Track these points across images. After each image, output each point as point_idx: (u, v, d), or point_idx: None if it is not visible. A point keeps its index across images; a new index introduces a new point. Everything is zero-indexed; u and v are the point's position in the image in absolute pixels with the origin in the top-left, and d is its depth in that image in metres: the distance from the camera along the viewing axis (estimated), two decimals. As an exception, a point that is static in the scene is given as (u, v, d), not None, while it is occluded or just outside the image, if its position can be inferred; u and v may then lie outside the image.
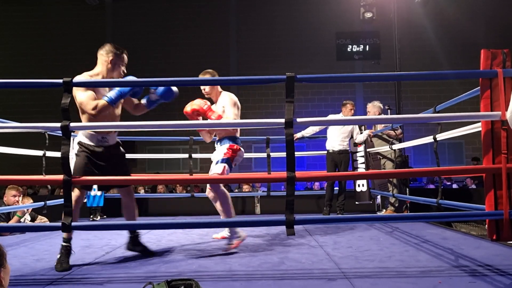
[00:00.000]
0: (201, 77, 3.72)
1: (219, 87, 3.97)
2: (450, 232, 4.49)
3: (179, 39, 13.00)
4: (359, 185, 6.16)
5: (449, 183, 9.94)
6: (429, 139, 4.09)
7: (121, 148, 3.42)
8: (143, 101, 3.43)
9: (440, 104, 3.97)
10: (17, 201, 4.87)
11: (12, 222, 4.75)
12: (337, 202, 5.94)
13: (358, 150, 6.19)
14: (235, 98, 3.94)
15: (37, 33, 13.10)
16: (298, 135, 5.96)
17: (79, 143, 3.25)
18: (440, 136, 3.88)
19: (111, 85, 3.19)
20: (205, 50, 12.87)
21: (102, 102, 3.09)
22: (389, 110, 7.04)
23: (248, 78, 3.04)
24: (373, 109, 6.07)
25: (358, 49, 11.49)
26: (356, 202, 6.19)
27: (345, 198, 5.94)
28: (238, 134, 3.93)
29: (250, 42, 13.00)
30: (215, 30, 13.09)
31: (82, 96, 3.10)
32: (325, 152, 6.10)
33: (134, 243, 3.46)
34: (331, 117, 5.80)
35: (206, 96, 3.95)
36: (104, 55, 3.26)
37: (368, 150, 6.18)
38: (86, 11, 13.11)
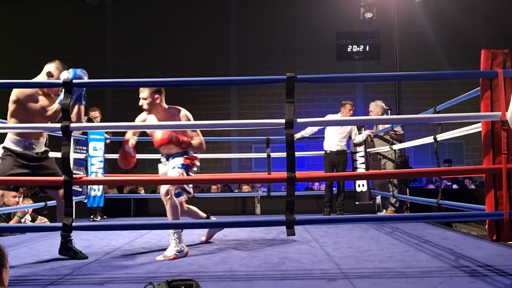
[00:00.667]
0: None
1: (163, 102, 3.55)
2: (450, 232, 4.50)
3: (179, 39, 13.00)
4: (359, 185, 6.16)
5: (449, 184, 9.95)
6: (429, 139, 4.10)
7: (49, 155, 3.42)
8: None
9: (441, 104, 3.97)
10: (17, 202, 4.87)
11: (13, 223, 4.75)
12: (337, 202, 5.94)
13: (358, 150, 6.20)
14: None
15: (37, 33, 13.11)
16: (297, 135, 5.95)
17: (4, 148, 3.22)
18: (441, 137, 3.89)
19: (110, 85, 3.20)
20: (205, 50, 12.88)
21: (56, 106, 3.16)
22: (389, 111, 7.05)
23: (248, 79, 3.05)
24: (376, 108, 6.05)
25: (358, 49, 11.48)
26: (356, 202, 6.19)
27: (345, 198, 5.93)
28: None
29: (250, 42, 13.00)
30: (215, 30, 13.09)
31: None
32: (320, 152, 6.12)
33: (65, 247, 3.36)
34: (329, 117, 5.79)
35: (146, 108, 3.48)
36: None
37: (368, 150, 6.18)
38: (86, 11, 13.11)
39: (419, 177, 10.78)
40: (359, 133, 6.05)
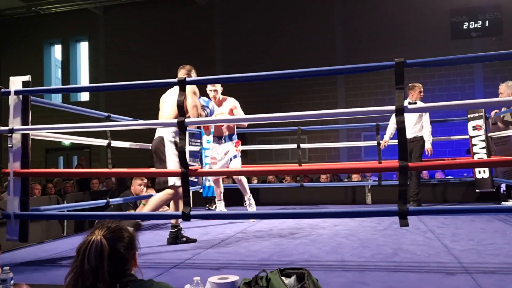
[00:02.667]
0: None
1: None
2: None
3: (285, 30, 13.06)
4: (479, 172, 5.69)
5: None
6: None
7: None
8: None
9: None
10: (142, 190, 5.34)
11: (139, 210, 5.21)
12: (410, 192, 5.46)
13: (477, 134, 5.71)
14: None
15: (152, 35, 14.08)
16: (386, 138, 5.73)
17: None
18: None
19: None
20: (311, 40, 12.78)
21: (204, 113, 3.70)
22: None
23: (355, 67, 2.98)
24: (508, 90, 5.46)
25: (476, 25, 10.59)
26: (477, 190, 5.73)
27: (419, 187, 5.48)
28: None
29: (357, 28, 12.61)
30: (320, 19, 12.91)
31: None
32: (439, 138, 5.71)
33: (175, 237, 3.68)
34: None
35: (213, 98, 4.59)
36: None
37: (490, 134, 5.69)
38: (196, 10, 13.79)
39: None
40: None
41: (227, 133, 4.72)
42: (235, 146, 4.69)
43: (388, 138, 5.77)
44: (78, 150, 14.49)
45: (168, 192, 3.47)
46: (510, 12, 8.70)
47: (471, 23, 10.61)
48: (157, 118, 3.71)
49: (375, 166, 5.69)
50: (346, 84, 12.57)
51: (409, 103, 5.46)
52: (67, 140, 8.07)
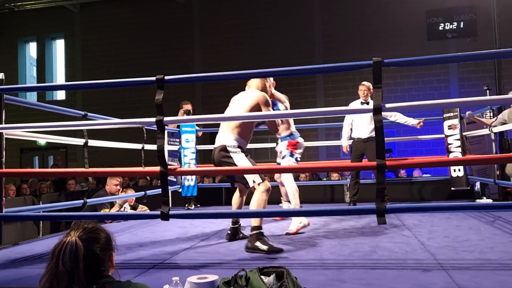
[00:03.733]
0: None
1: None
2: None
3: (264, 29, 13.07)
4: (454, 170, 5.80)
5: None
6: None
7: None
8: None
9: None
10: (119, 190, 5.27)
11: (114, 210, 5.14)
12: (352, 195, 5.60)
13: (452, 134, 5.82)
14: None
15: (131, 32, 13.91)
16: (344, 143, 5.79)
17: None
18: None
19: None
20: (290, 39, 12.83)
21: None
22: (488, 91, 6.53)
23: (334, 66, 3.00)
24: None
25: (451, 26, 10.79)
26: (452, 188, 5.84)
27: (358, 190, 5.58)
28: (293, 129, 4.49)
29: (336, 27, 12.71)
30: (300, 18, 12.97)
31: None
32: (415, 137, 5.82)
33: (236, 232, 3.72)
34: (353, 105, 5.48)
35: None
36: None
37: (464, 133, 5.80)
38: (175, 8, 13.69)
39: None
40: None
41: (281, 134, 4.47)
42: (287, 146, 4.42)
43: (347, 143, 5.79)
44: (54, 149, 14.24)
45: (261, 190, 3.34)
46: (484, 14, 8.89)
47: (446, 24, 10.82)
48: (136, 116, 3.65)
49: (353, 165, 5.73)
50: (325, 84, 12.67)
51: (362, 103, 5.53)
52: (42, 140, 7.92)
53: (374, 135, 5.05)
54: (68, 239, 1.43)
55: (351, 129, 5.68)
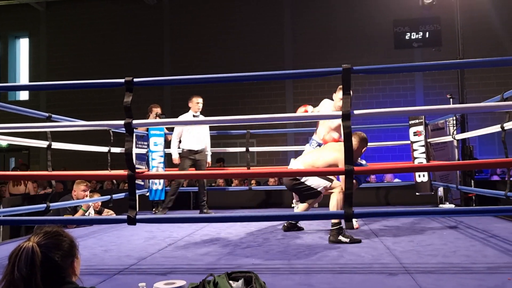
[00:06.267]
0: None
1: None
2: (521, 226, 4.25)
3: (234, 34, 13.08)
4: (419, 176, 5.95)
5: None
6: (496, 128, 3.89)
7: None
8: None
9: (509, 91, 3.75)
10: (86, 196, 5.11)
11: (77, 216, 4.98)
12: (200, 201, 5.76)
13: (417, 140, 5.96)
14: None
15: (98, 34, 13.67)
16: (175, 155, 5.81)
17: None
18: (509, 125, 3.68)
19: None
20: (260, 44, 12.89)
21: None
22: (451, 99, 6.72)
23: (303, 72, 3.03)
24: None
25: (417, 36, 11.05)
26: (417, 193, 5.98)
27: (206, 196, 5.73)
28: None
29: (306, 33, 12.86)
30: (270, 23, 13.06)
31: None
32: (382, 143, 5.94)
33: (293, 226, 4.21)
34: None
35: None
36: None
37: (429, 140, 5.96)
38: (144, 10, 13.52)
39: (485, 169, 10.24)
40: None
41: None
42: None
43: (177, 155, 5.79)
44: (15, 151, 13.78)
45: (338, 190, 3.72)
46: (449, 25, 9.16)
47: (412, 33, 11.07)
48: (103, 119, 3.58)
49: (320, 170, 5.79)
50: (295, 89, 12.77)
51: (193, 115, 5.64)
52: (3, 141, 7.66)
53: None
54: (25, 244, 1.37)
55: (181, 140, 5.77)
